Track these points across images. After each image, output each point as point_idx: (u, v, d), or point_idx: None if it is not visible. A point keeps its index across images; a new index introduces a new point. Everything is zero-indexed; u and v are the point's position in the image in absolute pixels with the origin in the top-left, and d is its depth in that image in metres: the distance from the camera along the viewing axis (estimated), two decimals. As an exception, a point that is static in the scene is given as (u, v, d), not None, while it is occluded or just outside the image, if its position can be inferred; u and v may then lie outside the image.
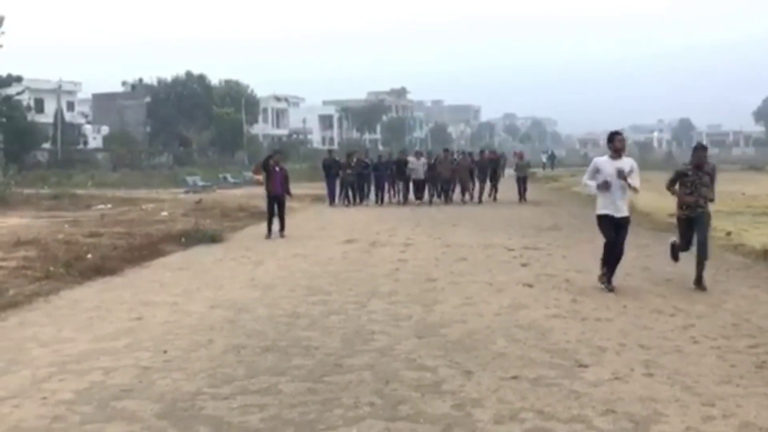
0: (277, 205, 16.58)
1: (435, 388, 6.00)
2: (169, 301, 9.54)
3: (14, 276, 10.86)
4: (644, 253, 13.51)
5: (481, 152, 32.25)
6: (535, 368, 6.48)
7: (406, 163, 27.26)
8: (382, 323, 8.22)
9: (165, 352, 7.11)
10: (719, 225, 17.40)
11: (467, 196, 27.52)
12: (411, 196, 27.62)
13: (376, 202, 27.38)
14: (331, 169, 27.47)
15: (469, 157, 30.17)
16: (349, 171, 26.60)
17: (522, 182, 27.86)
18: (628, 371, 6.36)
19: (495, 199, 28.08)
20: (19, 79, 55.39)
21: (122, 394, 5.91)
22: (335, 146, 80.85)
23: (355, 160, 27.24)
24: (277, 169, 16.84)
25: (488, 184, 28.76)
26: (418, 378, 6.25)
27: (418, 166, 26.95)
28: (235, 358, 6.87)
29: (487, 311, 8.77)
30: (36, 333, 7.92)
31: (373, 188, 27.97)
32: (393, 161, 28.16)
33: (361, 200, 27.21)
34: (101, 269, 11.69)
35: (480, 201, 27.56)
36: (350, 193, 26.94)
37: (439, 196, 27.62)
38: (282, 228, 16.67)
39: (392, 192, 27.98)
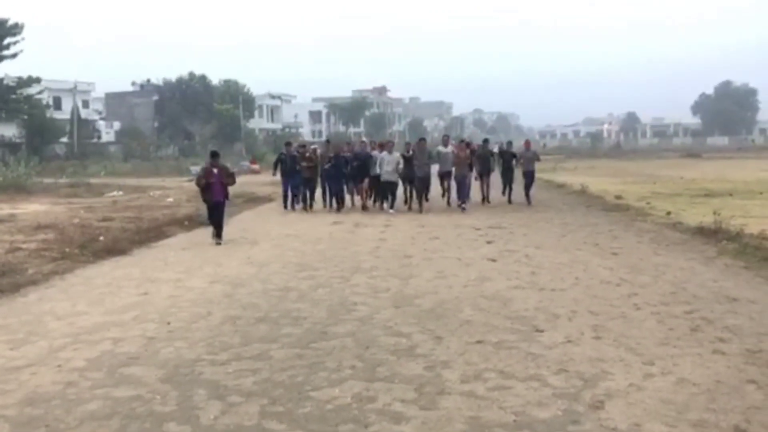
0: (216, 211, 12.96)
1: (409, 352, 5.99)
2: (173, 278, 9.46)
3: (34, 256, 10.73)
4: (595, 230, 13.58)
5: (485, 141, 21.56)
6: (497, 333, 6.49)
7: (369, 157, 18.33)
8: (363, 295, 8.20)
9: (168, 323, 7.05)
10: (660, 205, 17.56)
11: (464, 199, 18.23)
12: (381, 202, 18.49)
13: (330, 205, 18.59)
14: (285, 164, 18.90)
15: (467, 146, 20.12)
16: (304, 164, 18.54)
17: (528, 178, 19.71)
18: (579, 335, 6.39)
19: (509, 200, 19.62)
20: (38, 80, 54.62)
21: (130, 361, 5.85)
22: (323, 138, 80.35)
23: (332, 153, 18.59)
24: (215, 171, 12.89)
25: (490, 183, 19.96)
26: (395, 343, 6.23)
27: (389, 162, 17.50)
28: (232, 328, 6.82)
29: (456, 283, 8.76)
30: (53, 307, 7.82)
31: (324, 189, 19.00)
32: (354, 156, 18.66)
33: (302, 202, 18.90)
34: (112, 250, 11.59)
35: (486, 200, 19.49)
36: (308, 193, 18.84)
37: (418, 199, 18.00)
38: (219, 235, 12.86)
39: (353, 195, 19.09)
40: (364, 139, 28.99)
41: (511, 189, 19.93)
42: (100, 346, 6.29)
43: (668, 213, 15.80)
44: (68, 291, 8.76)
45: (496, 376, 5.32)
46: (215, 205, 12.94)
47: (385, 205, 17.99)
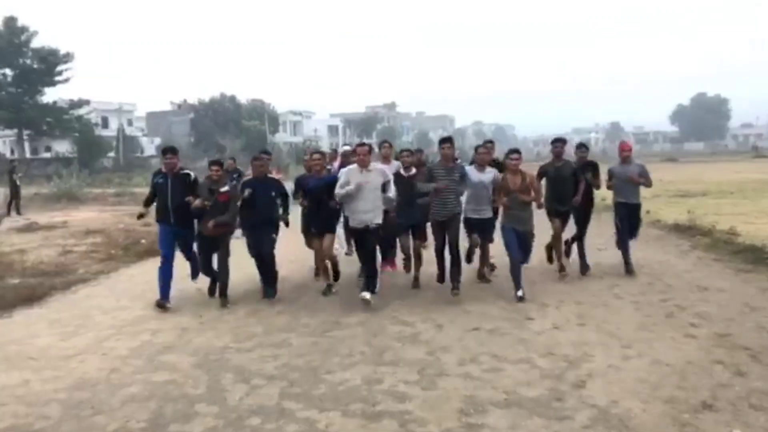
0: None
1: (413, 338, 6.00)
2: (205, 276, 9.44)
3: (84, 258, 10.84)
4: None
5: (581, 146, 8.92)
6: (492, 321, 6.48)
7: (331, 185, 7.33)
8: (373, 289, 8.16)
9: (200, 315, 7.10)
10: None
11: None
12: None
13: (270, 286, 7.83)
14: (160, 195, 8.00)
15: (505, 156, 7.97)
16: (207, 201, 7.86)
17: (631, 216, 8.58)
18: (565, 322, 6.37)
19: (582, 256, 8.86)
20: (87, 102, 55.37)
21: (166, 350, 5.91)
22: (340, 149, 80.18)
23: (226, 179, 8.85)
24: None
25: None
26: (400, 331, 6.24)
27: (369, 187, 7.02)
28: (255, 319, 6.86)
29: (456, 277, 8.69)
30: (100, 303, 7.90)
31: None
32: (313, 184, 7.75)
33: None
34: (153, 251, 11.54)
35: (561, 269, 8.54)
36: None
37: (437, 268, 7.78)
38: None
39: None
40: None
41: (583, 234, 8.93)
42: (141, 337, 6.35)
43: (648, 212, 15.62)
44: (113, 288, 8.83)
45: (490, 359, 5.32)
46: None
47: (365, 294, 7.10)
